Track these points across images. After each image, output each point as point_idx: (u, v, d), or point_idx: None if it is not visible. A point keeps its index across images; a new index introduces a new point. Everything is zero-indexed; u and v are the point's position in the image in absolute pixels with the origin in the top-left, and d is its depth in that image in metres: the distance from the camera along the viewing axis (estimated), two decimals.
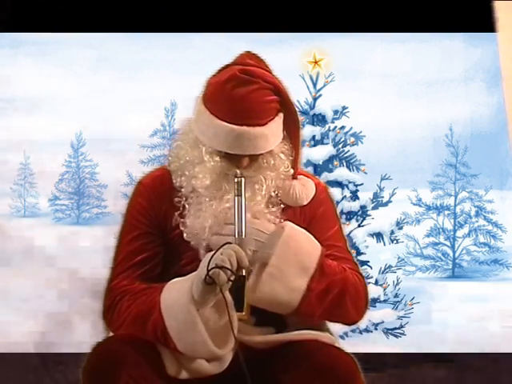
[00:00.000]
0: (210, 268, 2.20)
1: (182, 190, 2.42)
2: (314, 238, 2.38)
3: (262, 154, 2.39)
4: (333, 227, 2.50)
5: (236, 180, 2.30)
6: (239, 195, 2.28)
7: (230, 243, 2.25)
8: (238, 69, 2.37)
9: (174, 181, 2.44)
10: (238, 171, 2.37)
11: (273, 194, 2.43)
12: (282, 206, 2.44)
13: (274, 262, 2.30)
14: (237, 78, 2.35)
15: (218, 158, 2.37)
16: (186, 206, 2.40)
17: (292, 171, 2.44)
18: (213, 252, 2.24)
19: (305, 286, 2.32)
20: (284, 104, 2.40)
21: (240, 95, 2.34)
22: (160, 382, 2.27)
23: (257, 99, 2.35)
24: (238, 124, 2.33)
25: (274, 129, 2.39)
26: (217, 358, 2.29)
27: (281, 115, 2.41)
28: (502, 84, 5.43)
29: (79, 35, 5.61)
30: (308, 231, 2.45)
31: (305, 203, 2.46)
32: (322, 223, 2.48)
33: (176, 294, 2.27)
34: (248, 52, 2.45)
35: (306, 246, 2.35)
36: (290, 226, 2.35)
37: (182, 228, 2.39)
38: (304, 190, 2.45)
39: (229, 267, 2.20)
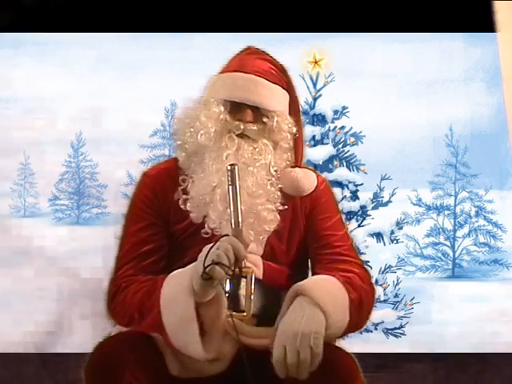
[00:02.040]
0: (206, 264, 2.19)
1: (187, 166, 2.43)
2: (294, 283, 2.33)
3: (266, 113, 2.40)
4: (333, 217, 2.51)
5: (229, 168, 2.25)
6: (233, 184, 2.24)
7: (228, 235, 2.23)
8: (250, 46, 2.53)
9: (178, 158, 2.45)
10: (230, 153, 2.36)
11: (273, 170, 2.42)
12: (280, 185, 2.43)
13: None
14: (249, 49, 2.49)
15: (222, 108, 2.40)
16: (191, 181, 2.39)
17: (295, 129, 2.45)
18: (210, 245, 2.22)
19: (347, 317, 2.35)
20: (289, 88, 2.48)
21: (251, 57, 2.45)
22: (162, 382, 2.27)
23: (266, 64, 2.45)
24: (246, 72, 2.41)
25: (280, 94, 2.45)
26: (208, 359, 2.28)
27: (287, 94, 2.47)
28: (502, 84, 5.43)
29: (79, 35, 5.61)
30: (309, 222, 2.45)
31: (305, 192, 2.45)
32: (323, 213, 2.49)
33: (175, 288, 2.26)
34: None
35: (320, 292, 2.31)
36: (295, 289, 2.30)
37: (182, 206, 2.38)
38: (306, 177, 2.45)
39: (226, 263, 2.17)
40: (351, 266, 2.44)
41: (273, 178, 2.42)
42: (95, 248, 5.21)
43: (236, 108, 2.39)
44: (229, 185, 2.24)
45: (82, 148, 6.14)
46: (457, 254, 6.00)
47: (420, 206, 6.00)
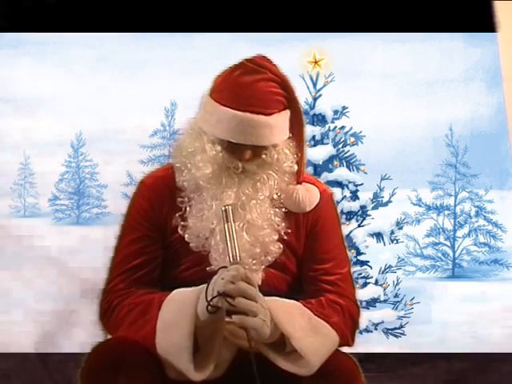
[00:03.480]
0: (212, 296, 2.16)
1: (185, 188, 2.39)
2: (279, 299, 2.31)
3: (265, 149, 2.34)
4: (335, 237, 2.47)
5: (223, 208, 2.22)
6: (227, 222, 2.22)
7: (225, 267, 2.20)
8: (246, 59, 2.37)
9: (177, 179, 2.41)
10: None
11: (275, 196, 2.40)
12: (284, 209, 2.41)
13: (294, 333, 2.23)
14: (244, 67, 2.35)
15: (219, 148, 2.33)
16: (188, 207, 2.38)
17: (296, 167, 2.40)
18: (212, 281, 2.20)
19: (327, 324, 2.31)
20: (291, 102, 2.38)
21: (245, 82, 2.32)
22: None
23: (262, 88, 2.32)
24: (241, 110, 2.30)
25: (280, 122, 2.35)
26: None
27: (287, 112, 2.38)
28: (502, 84, 5.43)
29: (79, 35, 5.61)
30: (309, 238, 2.44)
31: (307, 209, 2.41)
32: (325, 233, 2.45)
33: (178, 315, 2.23)
34: (260, 55, 2.43)
35: (285, 304, 2.30)
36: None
37: (180, 232, 2.36)
38: (307, 195, 2.41)
39: (232, 293, 2.16)
40: (339, 299, 2.40)
41: (277, 209, 2.39)
42: (95, 248, 5.20)
43: (233, 145, 2.32)
44: (224, 222, 2.22)
45: (82, 148, 6.15)
46: (457, 254, 6.00)
47: (420, 205, 6.01)
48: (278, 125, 2.34)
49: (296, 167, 2.40)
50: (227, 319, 2.21)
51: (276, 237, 2.38)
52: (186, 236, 2.36)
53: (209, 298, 2.17)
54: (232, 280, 2.16)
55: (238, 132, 2.30)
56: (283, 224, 2.39)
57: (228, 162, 2.34)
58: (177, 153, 2.43)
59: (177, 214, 2.38)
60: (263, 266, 2.37)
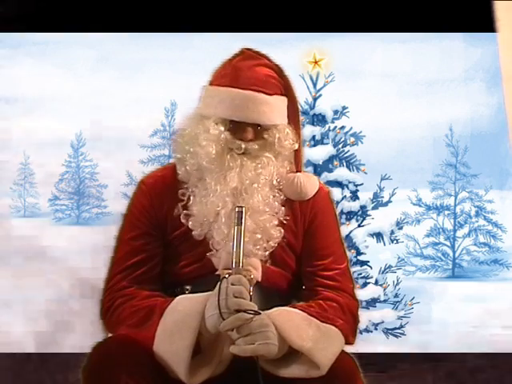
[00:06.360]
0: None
1: (187, 179, 2.41)
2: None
3: (266, 129, 2.39)
4: (333, 233, 2.49)
5: (237, 209, 2.24)
6: (239, 225, 2.23)
7: (225, 277, 2.21)
8: (244, 48, 2.47)
9: (178, 171, 2.43)
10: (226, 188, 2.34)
11: (275, 182, 2.42)
12: (283, 197, 2.43)
13: (305, 345, 2.23)
14: (243, 54, 2.45)
15: (222, 128, 2.38)
16: (191, 197, 2.39)
17: (296, 146, 2.44)
18: (215, 291, 2.20)
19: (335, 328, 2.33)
20: (287, 89, 2.45)
21: (246, 66, 2.41)
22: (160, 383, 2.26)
23: (262, 71, 2.42)
24: (243, 88, 2.38)
25: (279, 104, 2.42)
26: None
27: (285, 99, 2.44)
28: (502, 84, 5.43)
29: (79, 35, 5.61)
30: (307, 235, 2.45)
31: (307, 197, 2.44)
32: (323, 228, 2.47)
33: (182, 324, 2.24)
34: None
35: (291, 315, 2.30)
36: (267, 315, 2.26)
37: (183, 220, 2.38)
38: (308, 182, 2.45)
39: (248, 308, 2.18)
40: (338, 295, 2.41)
41: (276, 193, 2.42)
42: (95, 248, 5.21)
43: (236, 126, 2.38)
44: (235, 225, 2.23)
45: (82, 148, 6.15)
46: (457, 254, 6.00)
47: (420, 205, 6.01)
48: (277, 105, 2.41)
49: (296, 146, 2.44)
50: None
51: (276, 222, 2.40)
52: (190, 223, 2.38)
53: (212, 312, 2.18)
54: (241, 296, 2.17)
55: (241, 109, 2.36)
56: (282, 208, 2.41)
57: (230, 143, 2.38)
58: (178, 142, 2.46)
59: (179, 204, 2.39)
60: (267, 252, 2.38)
